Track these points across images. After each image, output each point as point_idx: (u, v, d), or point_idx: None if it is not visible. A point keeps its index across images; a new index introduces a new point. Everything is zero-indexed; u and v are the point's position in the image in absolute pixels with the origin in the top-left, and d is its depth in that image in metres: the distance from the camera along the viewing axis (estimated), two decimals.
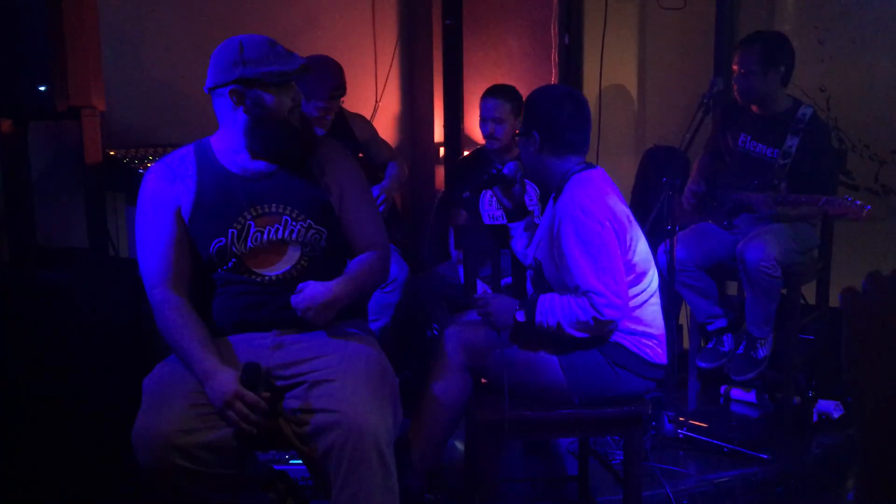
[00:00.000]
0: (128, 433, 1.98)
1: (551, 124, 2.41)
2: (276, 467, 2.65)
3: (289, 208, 2.20)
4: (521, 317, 2.36)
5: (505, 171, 2.61)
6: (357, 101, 4.24)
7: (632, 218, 2.43)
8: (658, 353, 2.44)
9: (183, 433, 1.95)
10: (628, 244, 2.36)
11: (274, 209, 2.20)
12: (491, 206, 3.53)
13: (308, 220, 2.21)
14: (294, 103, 2.18)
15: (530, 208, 2.76)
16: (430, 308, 3.61)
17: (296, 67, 2.14)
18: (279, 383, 2.11)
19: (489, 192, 3.51)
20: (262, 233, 2.18)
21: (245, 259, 2.18)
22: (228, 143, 2.21)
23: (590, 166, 2.46)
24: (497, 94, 3.51)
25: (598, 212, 2.31)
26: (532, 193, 3.46)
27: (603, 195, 2.37)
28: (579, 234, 2.29)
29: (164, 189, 2.19)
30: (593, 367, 2.37)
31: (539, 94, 2.50)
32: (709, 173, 3.48)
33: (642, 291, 2.42)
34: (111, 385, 2.70)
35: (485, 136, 3.54)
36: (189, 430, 1.96)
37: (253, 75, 2.10)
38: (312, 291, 2.12)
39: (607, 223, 2.31)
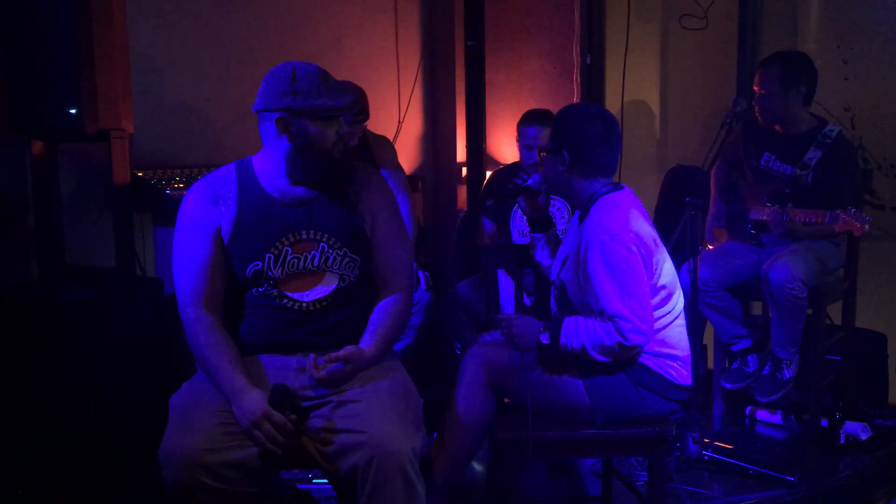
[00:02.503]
0: (154, 451, 1.99)
1: (582, 145, 2.39)
2: (300, 486, 2.67)
3: (326, 236, 2.22)
4: (545, 339, 2.35)
5: (530, 182, 2.61)
6: (380, 121, 4.28)
7: (658, 240, 2.41)
8: (683, 374, 2.42)
9: (209, 452, 1.96)
10: (654, 268, 2.35)
11: (311, 236, 2.21)
12: (522, 222, 3.53)
13: (344, 248, 2.22)
14: (338, 136, 2.19)
15: (560, 224, 2.75)
16: (453, 327, 3.61)
17: (344, 104, 2.16)
18: (304, 403, 2.12)
19: (519, 211, 3.52)
20: (299, 259, 2.20)
21: (279, 283, 2.20)
22: (270, 167, 2.23)
23: (617, 187, 2.45)
24: (539, 120, 3.45)
25: (625, 236, 2.30)
26: (563, 210, 3.46)
27: (630, 219, 2.36)
28: (606, 259, 2.28)
29: (206, 209, 2.21)
30: (617, 387, 2.36)
31: (570, 113, 2.47)
32: (725, 185, 3.47)
33: (668, 313, 2.40)
34: (137, 403, 2.73)
35: (528, 166, 3.48)
36: (215, 449, 1.97)
37: (301, 107, 2.12)
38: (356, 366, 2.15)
39: (634, 248, 2.29)
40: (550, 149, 2.46)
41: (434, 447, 2.50)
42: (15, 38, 2.77)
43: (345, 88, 2.23)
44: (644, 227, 2.37)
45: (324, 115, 2.14)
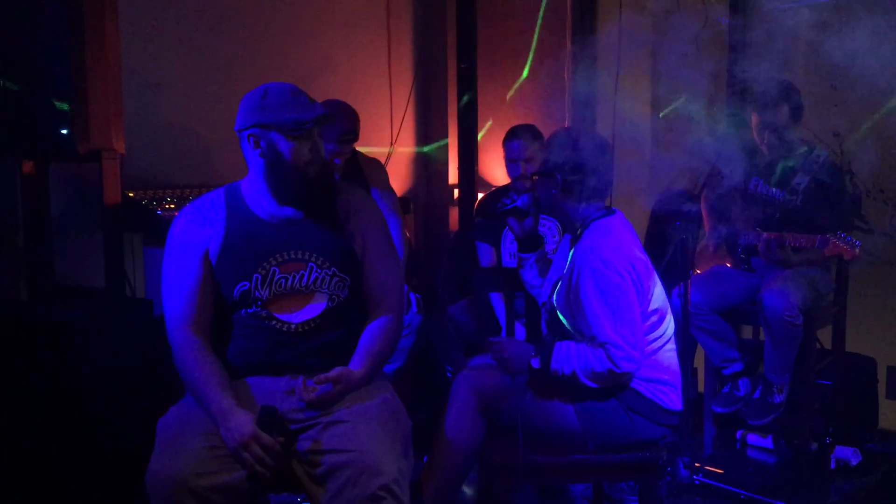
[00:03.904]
0: (141, 475, 1.97)
1: (576, 169, 2.40)
2: None
3: (314, 255, 2.22)
4: (536, 363, 2.35)
5: (518, 203, 2.61)
6: (372, 143, 4.29)
7: (649, 265, 2.42)
8: (673, 399, 2.42)
9: (197, 475, 1.94)
10: (646, 293, 2.36)
11: (299, 255, 2.21)
12: (513, 245, 3.54)
13: (333, 268, 2.22)
14: (312, 154, 2.18)
15: (550, 243, 2.76)
16: (443, 350, 3.60)
17: (312, 117, 2.15)
18: (293, 426, 2.10)
19: (510, 234, 3.53)
20: (287, 279, 2.20)
21: (268, 304, 2.19)
22: (255, 188, 2.24)
23: (609, 212, 2.46)
24: (522, 134, 3.52)
25: (617, 263, 2.30)
26: (554, 228, 3.47)
27: (622, 245, 2.36)
28: (598, 285, 2.29)
29: (194, 231, 2.22)
30: (608, 412, 2.36)
31: (564, 137, 2.48)
32: (715, 208, 3.49)
33: (659, 337, 2.41)
34: (125, 425, 2.70)
35: (515, 178, 3.55)
36: (203, 473, 1.95)
37: (268, 121, 2.13)
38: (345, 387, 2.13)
39: (626, 275, 2.30)
40: (543, 172, 2.47)
41: (424, 471, 2.49)
42: (7, 58, 2.77)
43: (325, 105, 2.24)
44: (636, 253, 2.38)
45: (293, 129, 2.13)
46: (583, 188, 2.41)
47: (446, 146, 4.63)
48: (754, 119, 3.33)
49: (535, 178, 2.54)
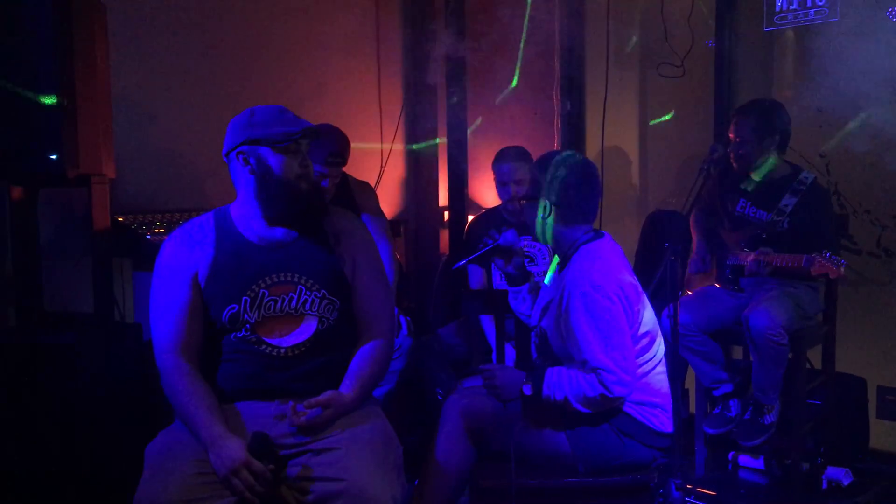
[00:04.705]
0: (129, 502, 1.96)
1: (562, 192, 2.41)
2: None
3: (304, 278, 2.22)
4: (527, 390, 2.35)
5: (501, 241, 2.62)
6: (363, 166, 4.31)
7: (639, 287, 2.43)
8: (664, 421, 2.42)
9: (185, 503, 1.92)
10: (636, 317, 2.36)
11: (288, 278, 2.21)
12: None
13: (322, 290, 2.22)
14: (302, 169, 2.20)
15: (541, 264, 2.76)
16: (434, 372, 3.59)
17: (299, 129, 2.18)
18: (283, 452, 2.09)
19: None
20: (276, 302, 2.19)
21: (257, 328, 2.19)
22: (245, 211, 2.24)
23: (598, 235, 2.46)
24: (513, 157, 3.55)
25: (608, 287, 2.31)
26: (545, 251, 3.47)
27: (612, 269, 2.37)
28: (589, 310, 2.29)
29: (182, 255, 2.22)
30: (599, 435, 2.35)
31: (551, 161, 2.48)
32: (705, 230, 3.51)
33: (649, 360, 2.41)
34: (113, 451, 2.69)
35: (507, 200, 3.56)
36: (192, 500, 1.94)
37: (258, 136, 2.15)
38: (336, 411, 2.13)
39: (616, 299, 2.30)
40: (531, 196, 2.48)
41: (414, 496, 2.47)
42: None
43: (301, 122, 2.25)
44: (625, 277, 2.38)
45: (281, 141, 2.15)
46: (570, 211, 2.42)
47: (436, 147, 4.64)
48: (732, 137, 3.36)
49: (522, 202, 2.54)
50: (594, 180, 2.46)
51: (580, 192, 2.42)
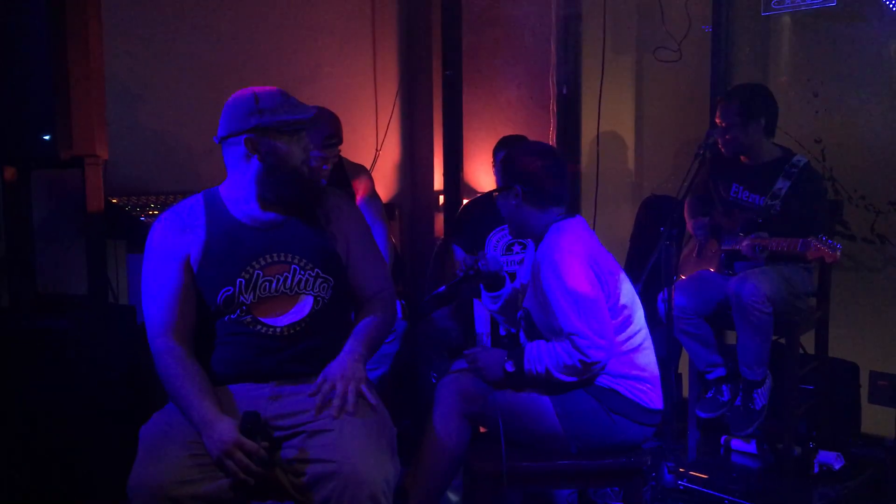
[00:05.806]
0: (123, 483, 1.96)
1: (531, 176, 2.46)
2: None
3: (297, 257, 2.22)
4: (510, 367, 2.38)
5: (480, 266, 2.63)
6: (358, 150, 4.29)
7: (613, 261, 2.46)
8: (653, 398, 2.44)
9: (179, 484, 1.93)
10: (613, 287, 2.39)
11: (282, 258, 2.21)
12: (497, 250, 3.55)
13: (316, 269, 2.23)
14: (305, 154, 2.21)
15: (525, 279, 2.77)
16: (428, 356, 3.60)
17: (308, 116, 2.18)
18: (277, 433, 2.10)
19: (494, 237, 3.55)
20: (271, 282, 2.19)
21: (252, 309, 2.19)
22: (238, 193, 2.23)
23: (569, 215, 2.50)
24: (511, 145, 3.55)
25: (576, 254, 2.35)
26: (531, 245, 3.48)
27: (581, 239, 2.42)
28: (560, 277, 2.32)
29: (174, 238, 2.21)
30: (589, 414, 2.37)
31: (517, 151, 2.57)
32: (699, 213, 3.52)
33: (635, 334, 2.43)
34: (107, 433, 2.69)
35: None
36: (186, 481, 1.94)
37: (269, 124, 2.13)
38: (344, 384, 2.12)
39: (586, 265, 2.35)
40: (502, 187, 2.52)
41: (408, 477, 2.48)
42: None
43: (307, 108, 2.24)
44: (595, 248, 2.42)
45: (291, 130, 2.16)
46: (541, 195, 2.46)
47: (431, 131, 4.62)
48: (718, 122, 3.35)
49: (495, 195, 2.58)
50: (560, 162, 2.52)
51: (548, 175, 2.46)
